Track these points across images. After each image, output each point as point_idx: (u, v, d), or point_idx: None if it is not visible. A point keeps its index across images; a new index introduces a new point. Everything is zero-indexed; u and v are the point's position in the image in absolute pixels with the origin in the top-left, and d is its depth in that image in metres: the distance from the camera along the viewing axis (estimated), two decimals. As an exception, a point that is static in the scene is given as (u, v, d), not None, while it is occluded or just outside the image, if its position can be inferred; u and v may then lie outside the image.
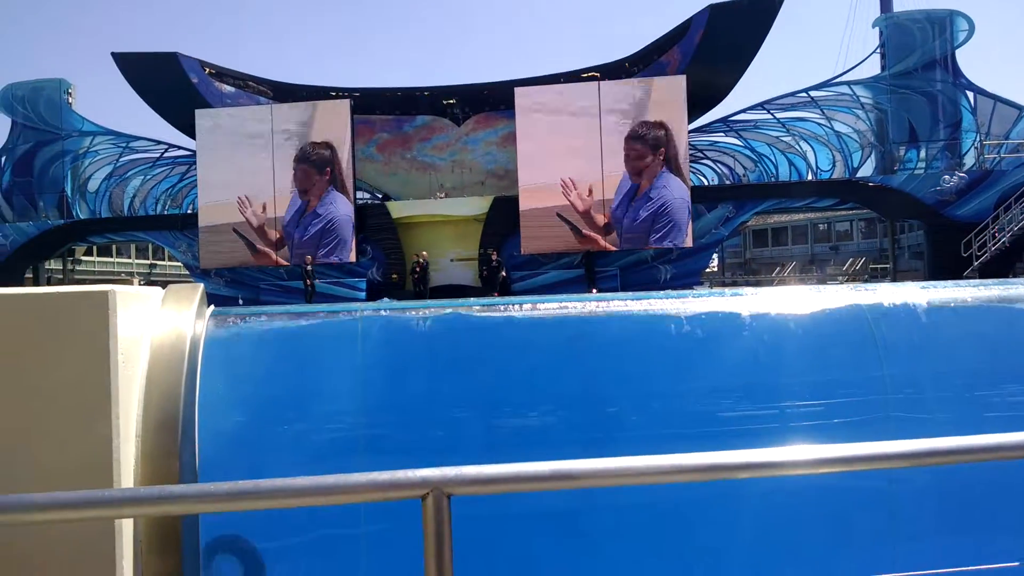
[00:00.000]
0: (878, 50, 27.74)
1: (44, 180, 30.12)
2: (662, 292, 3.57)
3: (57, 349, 2.31)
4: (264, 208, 27.43)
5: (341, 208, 27.12)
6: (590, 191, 25.97)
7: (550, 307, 3.51)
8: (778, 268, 48.21)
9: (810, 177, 27.33)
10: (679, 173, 25.73)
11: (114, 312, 2.35)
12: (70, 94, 30.66)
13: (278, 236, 27.44)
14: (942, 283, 3.55)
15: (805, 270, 46.51)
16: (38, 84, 30.45)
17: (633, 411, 3.03)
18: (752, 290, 3.43)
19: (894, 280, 31.28)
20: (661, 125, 25.71)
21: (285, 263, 27.49)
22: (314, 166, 27.22)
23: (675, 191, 25.58)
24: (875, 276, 38.39)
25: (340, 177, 27.21)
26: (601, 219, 25.93)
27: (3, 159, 30.49)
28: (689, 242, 25.79)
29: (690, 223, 25.74)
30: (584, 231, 25.93)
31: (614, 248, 26.11)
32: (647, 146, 25.68)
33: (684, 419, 3.01)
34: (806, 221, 46.21)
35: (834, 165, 27.32)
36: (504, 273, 25.26)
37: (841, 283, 38.22)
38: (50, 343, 2.32)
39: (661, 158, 25.59)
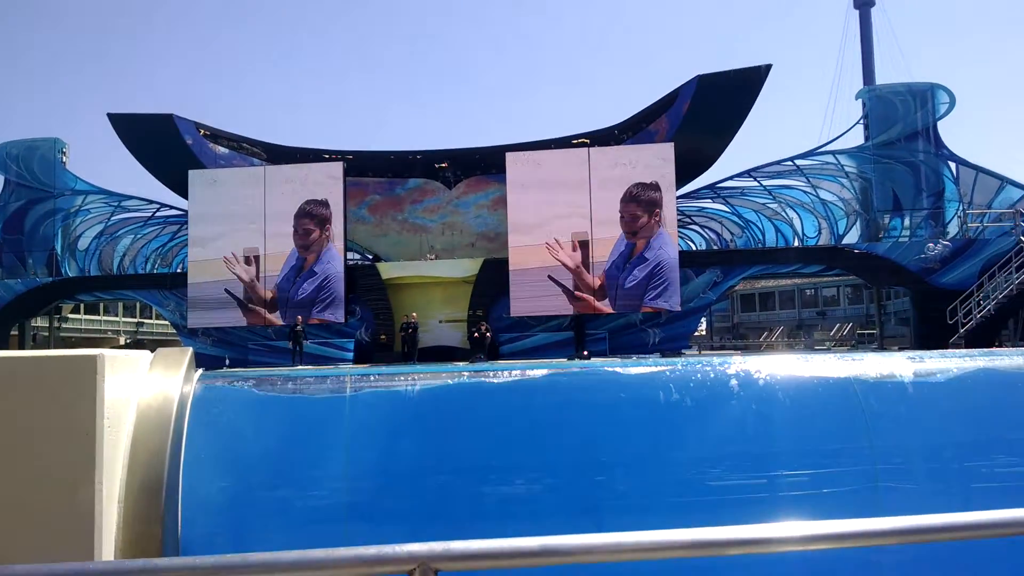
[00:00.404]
0: (861, 121, 28.39)
1: (35, 238, 30.12)
2: (651, 359, 3.58)
3: (45, 413, 2.30)
4: (252, 261, 27.43)
5: (336, 266, 27.21)
6: (575, 246, 26.17)
7: (539, 373, 3.51)
8: (766, 332, 48.38)
9: (796, 243, 27.66)
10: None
11: (102, 377, 2.34)
12: (64, 153, 30.86)
13: (271, 296, 27.39)
14: (928, 353, 3.59)
15: (793, 335, 46.70)
16: (33, 143, 30.63)
17: (623, 479, 3.02)
18: (741, 358, 3.44)
19: (881, 346, 31.40)
20: (656, 187, 26.09)
21: (278, 323, 27.33)
22: (314, 222, 27.40)
23: (670, 251, 25.84)
24: (862, 341, 38.55)
25: (333, 236, 27.36)
26: (594, 281, 26.06)
27: (-6, 216, 30.52)
28: (678, 305, 25.94)
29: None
30: (576, 292, 26.03)
31: (609, 311, 26.15)
32: (641, 207, 26.03)
33: (674, 487, 2.99)
34: (793, 286, 46.57)
35: (820, 232, 27.68)
36: (490, 338, 25.16)
37: (828, 348, 38.34)
38: (38, 407, 2.31)
39: (657, 219, 25.92)
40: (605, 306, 26.07)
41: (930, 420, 3.15)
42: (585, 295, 26.00)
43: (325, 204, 27.43)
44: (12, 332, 30.78)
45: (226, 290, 27.40)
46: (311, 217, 27.43)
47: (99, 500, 2.29)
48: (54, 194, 30.13)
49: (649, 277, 25.77)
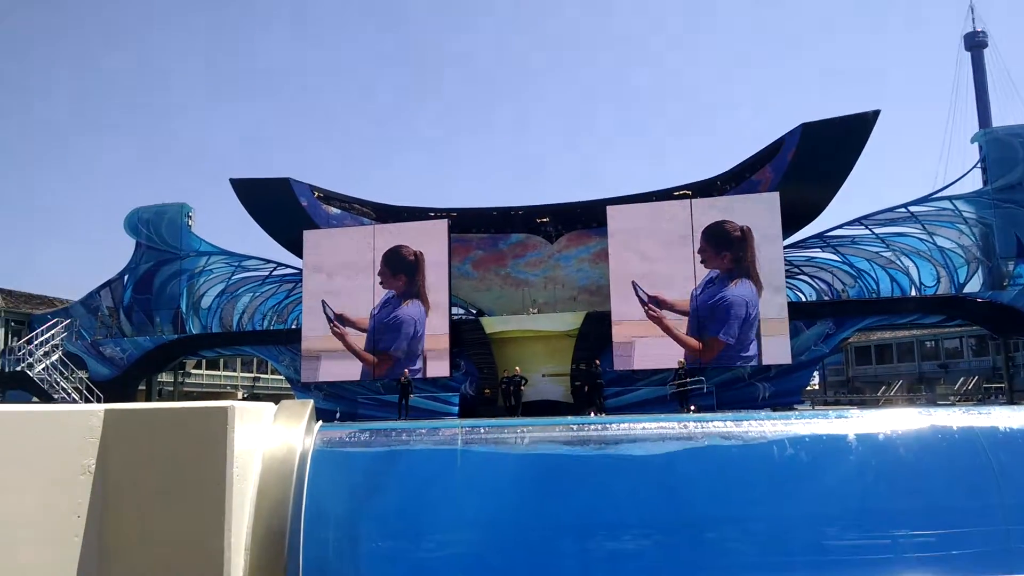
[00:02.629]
0: (979, 165, 27.17)
1: (162, 297, 32.00)
2: (763, 413, 3.51)
3: (179, 463, 2.45)
4: (349, 329, 28.33)
5: (416, 311, 27.96)
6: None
7: (647, 428, 3.49)
8: (883, 387, 46.09)
9: (913, 293, 26.44)
10: (755, 281, 25.45)
11: (232, 428, 2.48)
12: (190, 217, 32.82)
13: (374, 358, 28.15)
14: (1063, 407, 3.39)
15: (913, 389, 44.28)
16: (162, 208, 32.78)
17: (734, 537, 2.95)
18: (857, 411, 3.34)
19: (1011, 400, 29.44)
20: (740, 231, 25.69)
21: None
22: (399, 269, 28.24)
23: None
24: (989, 396, 36.24)
25: (423, 290, 27.99)
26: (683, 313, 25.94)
27: (126, 278, 32.63)
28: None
29: (788, 339, 25.12)
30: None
31: (698, 348, 25.59)
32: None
33: (788, 546, 2.91)
34: (912, 338, 44.31)
35: (939, 281, 26.40)
36: (600, 379, 24.84)
37: (952, 403, 36.21)
38: (172, 457, 2.46)
39: (726, 260, 25.59)
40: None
41: (1067, 478, 2.97)
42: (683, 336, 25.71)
43: (412, 253, 28.16)
44: (140, 387, 32.55)
45: (337, 335, 28.21)
46: (396, 262, 28.22)
47: (227, 548, 2.41)
48: (180, 256, 32.00)
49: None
